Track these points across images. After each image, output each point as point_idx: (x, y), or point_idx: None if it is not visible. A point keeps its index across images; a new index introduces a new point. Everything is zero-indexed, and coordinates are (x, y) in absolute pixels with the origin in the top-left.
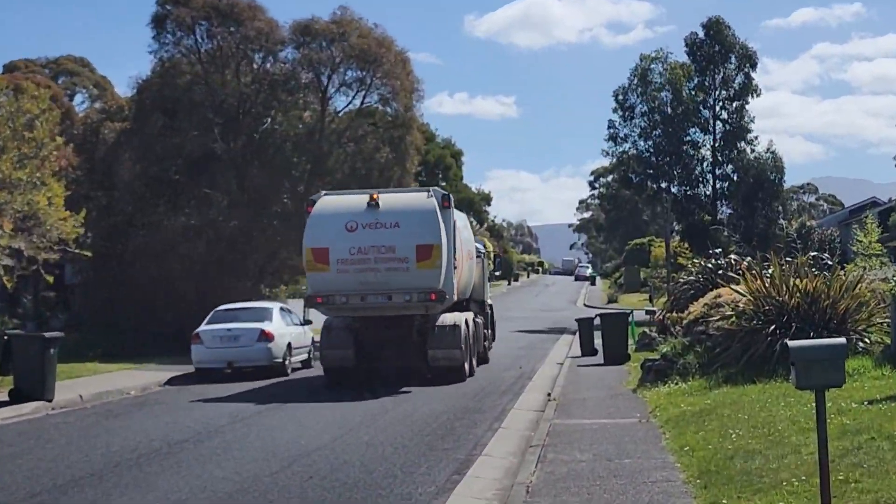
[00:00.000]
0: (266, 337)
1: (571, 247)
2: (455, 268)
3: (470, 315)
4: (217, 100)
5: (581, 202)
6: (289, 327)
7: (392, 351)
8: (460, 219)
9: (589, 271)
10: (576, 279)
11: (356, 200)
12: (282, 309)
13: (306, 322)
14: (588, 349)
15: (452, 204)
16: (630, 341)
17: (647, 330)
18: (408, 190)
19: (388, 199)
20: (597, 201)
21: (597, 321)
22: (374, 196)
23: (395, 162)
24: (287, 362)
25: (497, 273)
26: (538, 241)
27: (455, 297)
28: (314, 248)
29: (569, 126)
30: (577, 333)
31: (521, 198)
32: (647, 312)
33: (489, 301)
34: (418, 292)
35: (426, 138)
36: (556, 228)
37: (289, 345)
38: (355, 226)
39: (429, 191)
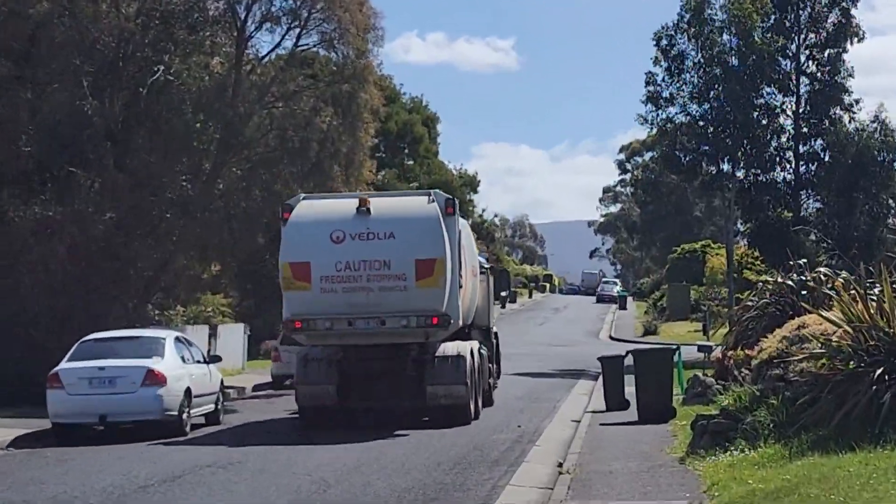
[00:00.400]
0: (155, 380)
1: (592, 254)
2: (460, 287)
3: (475, 344)
4: (87, 39)
5: (606, 191)
6: (188, 366)
7: (383, 387)
8: (464, 227)
9: (617, 289)
10: (598, 300)
11: (342, 206)
12: (178, 340)
13: (213, 359)
14: (616, 401)
15: (457, 210)
16: (676, 390)
17: (700, 374)
18: (404, 194)
19: (382, 205)
20: (629, 190)
21: (628, 361)
22: (365, 200)
23: (342, 130)
24: (185, 416)
25: (505, 294)
26: (545, 245)
27: (460, 322)
28: (293, 262)
29: (589, 82)
30: (601, 378)
31: (520, 184)
32: (701, 349)
33: (494, 328)
34: (417, 316)
35: (387, 97)
36: (570, 228)
37: (188, 391)
38: (342, 236)
39: (429, 194)
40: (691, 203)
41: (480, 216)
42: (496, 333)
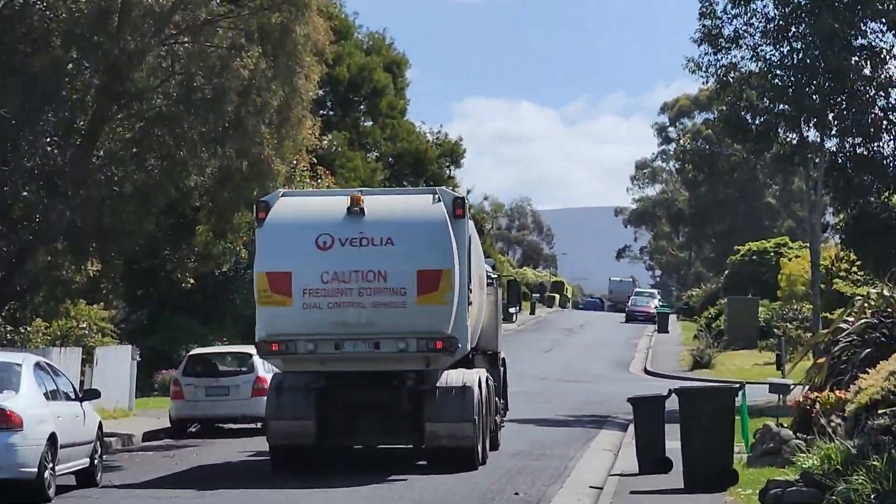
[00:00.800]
0: (7, 422)
1: (621, 254)
2: (469, 304)
3: (483, 373)
4: None
5: (641, 167)
6: (52, 405)
7: (371, 423)
8: (473, 232)
9: (655, 304)
10: (628, 319)
11: (330, 204)
12: (39, 367)
13: (89, 394)
14: (653, 460)
15: (467, 212)
16: (738, 445)
17: (772, 424)
18: (403, 191)
19: (378, 204)
20: (673, 166)
21: (671, 404)
22: (358, 199)
23: (272, 76)
24: (47, 474)
25: (514, 310)
26: (553, 240)
27: (468, 347)
28: (270, 272)
29: (617, 14)
30: (632, 427)
31: (520, 155)
32: (774, 388)
33: (501, 353)
34: (418, 339)
35: (336, 32)
36: (589, 217)
37: (52, 438)
38: (330, 241)
39: (434, 192)
40: (761, 185)
41: (465, 198)
42: (504, 360)
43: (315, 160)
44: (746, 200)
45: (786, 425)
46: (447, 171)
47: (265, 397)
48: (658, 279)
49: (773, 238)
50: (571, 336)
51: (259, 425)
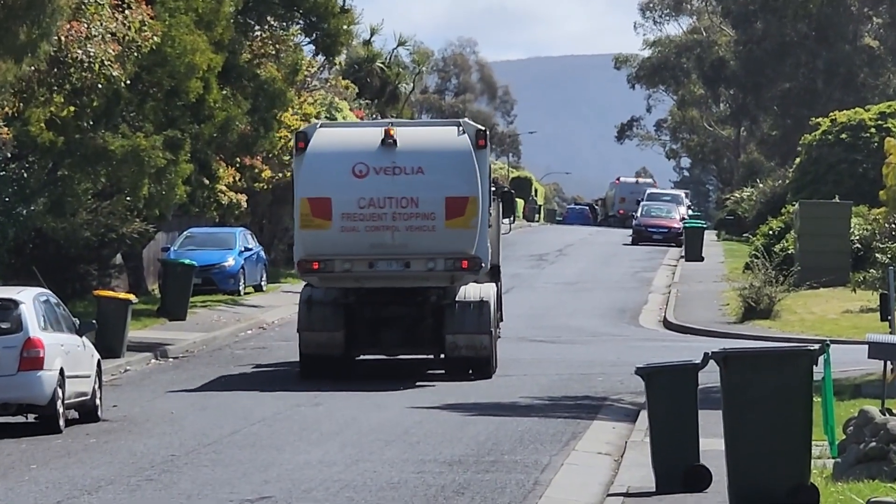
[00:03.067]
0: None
1: (625, 132)
2: (490, 226)
3: (494, 288)
4: None
5: None
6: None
7: (394, 335)
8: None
9: (681, 213)
10: (637, 238)
11: (365, 135)
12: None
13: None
14: (678, 468)
15: (489, 142)
16: (818, 442)
17: (874, 409)
18: (430, 123)
19: (408, 135)
20: None
21: (708, 377)
22: (390, 130)
23: None
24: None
25: (510, 220)
26: (515, 110)
27: (488, 266)
28: (311, 198)
29: None
30: (646, 417)
31: None
32: (877, 350)
33: (499, 265)
34: (446, 258)
35: None
36: (571, 71)
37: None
38: (366, 170)
39: (459, 124)
40: (855, 17)
41: (367, 45)
42: (499, 269)
43: None
44: (830, 43)
45: (894, 411)
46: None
47: (42, 372)
48: (685, 174)
49: (873, 106)
50: (543, 267)
51: (34, 417)
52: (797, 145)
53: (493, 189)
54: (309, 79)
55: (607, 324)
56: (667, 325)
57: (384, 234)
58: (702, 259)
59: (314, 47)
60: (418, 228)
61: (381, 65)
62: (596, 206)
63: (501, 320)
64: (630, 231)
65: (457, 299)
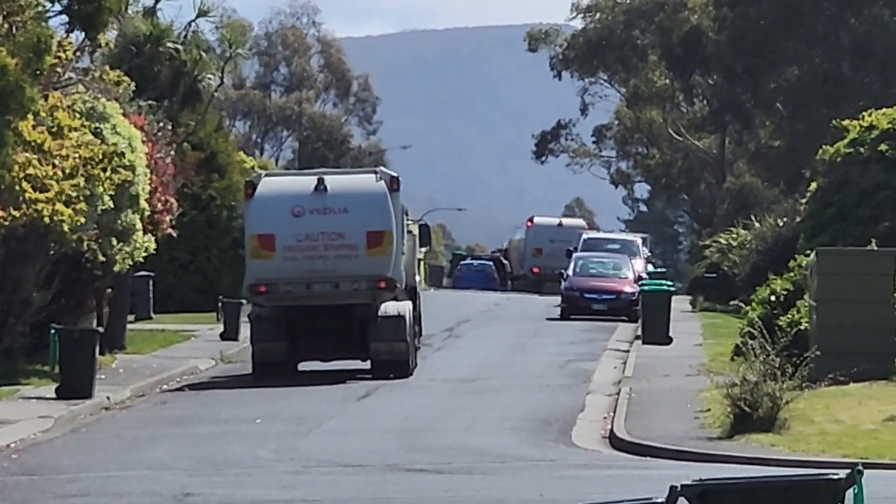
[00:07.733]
0: None
1: (546, 146)
2: (402, 254)
3: (409, 305)
4: None
5: None
6: None
7: (329, 344)
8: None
9: (637, 270)
10: (567, 309)
11: (301, 182)
12: None
13: None
14: None
15: (400, 186)
16: None
17: None
18: (352, 171)
19: (336, 182)
20: None
21: None
22: (322, 179)
23: None
24: None
25: (425, 249)
26: (377, 114)
27: (403, 286)
28: (260, 234)
29: None
30: None
31: None
32: None
33: (418, 288)
34: (367, 280)
35: None
36: (460, 51)
37: None
38: (302, 211)
39: (376, 172)
40: None
41: (150, 16)
42: (417, 291)
43: None
44: (861, 6)
45: None
46: None
47: None
48: (642, 209)
49: None
50: (425, 356)
51: None
52: (812, 162)
53: (407, 223)
54: (60, 70)
55: (523, 442)
56: (614, 443)
57: (318, 261)
58: (669, 341)
59: (67, 19)
60: (345, 257)
61: (172, 46)
62: (504, 261)
63: (421, 333)
64: (557, 299)
65: (379, 314)
